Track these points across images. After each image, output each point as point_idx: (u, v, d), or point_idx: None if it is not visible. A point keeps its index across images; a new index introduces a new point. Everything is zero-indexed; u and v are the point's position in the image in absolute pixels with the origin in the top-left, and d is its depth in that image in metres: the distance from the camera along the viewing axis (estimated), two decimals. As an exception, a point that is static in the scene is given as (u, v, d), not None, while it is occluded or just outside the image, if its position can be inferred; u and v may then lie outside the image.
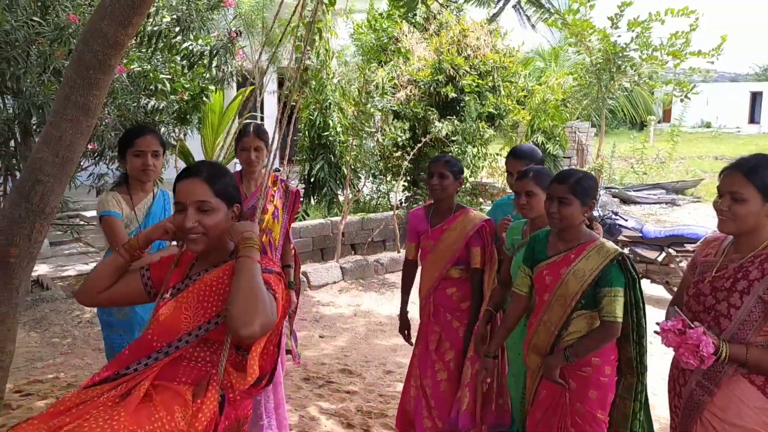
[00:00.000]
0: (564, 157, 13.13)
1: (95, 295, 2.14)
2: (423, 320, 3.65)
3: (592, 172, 11.93)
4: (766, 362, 2.14)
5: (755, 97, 35.57)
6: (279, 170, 10.07)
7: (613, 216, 7.22)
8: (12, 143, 6.02)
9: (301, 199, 9.33)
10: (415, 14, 10.50)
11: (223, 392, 1.91)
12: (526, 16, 3.20)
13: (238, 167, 3.80)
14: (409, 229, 3.76)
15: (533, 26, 3.39)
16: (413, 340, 3.74)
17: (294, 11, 2.72)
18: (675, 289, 6.56)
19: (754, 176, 2.17)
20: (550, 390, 2.76)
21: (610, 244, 2.70)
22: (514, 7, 3.12)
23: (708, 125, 34.94)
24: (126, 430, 1.71)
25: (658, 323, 2.33)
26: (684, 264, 6.52)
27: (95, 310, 6.21)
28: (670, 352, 2.36)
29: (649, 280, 6.88)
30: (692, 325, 2.17)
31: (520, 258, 3.07)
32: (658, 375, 2.73)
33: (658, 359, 4.05)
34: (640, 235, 6.89)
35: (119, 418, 1.73)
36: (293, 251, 3.92)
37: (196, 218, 1.96)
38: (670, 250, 6.60)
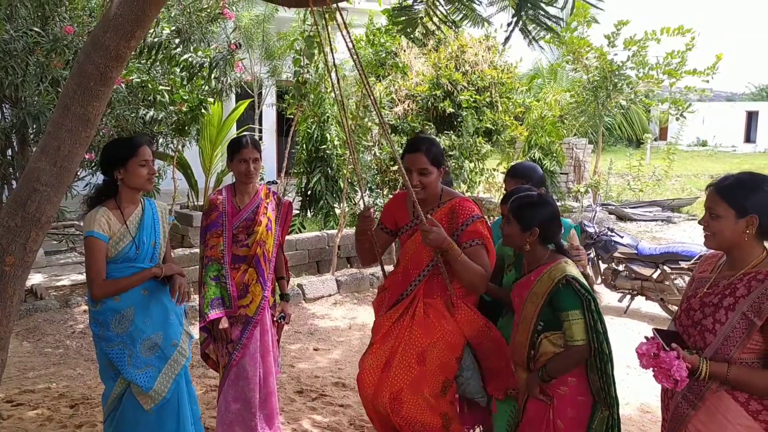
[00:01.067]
0: (561, 173, 13.19)
1: (372, 262, 3.31)
2: None
3: (589, 189, 11.99)
4: (746, 380, 2.15)
5: (751, 117, 35.79)
6: (276, 183, 10.09)
7: (609, 232, 7.23)
8: (9, 152, 6.03)
9: (295, 211, 9.34)
10: (389, 18, 10.56)
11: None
12: (532, 37, 3.23)
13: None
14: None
15: (540, 47, 3.42)
16: None
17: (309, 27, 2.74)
18: (670, 306, 6.59)
19: (727, 193, 2.22)
20: (535, 406, 2.79)
21: (561, 266, 2.69)
22: (520, 29, 3.14)
23: (704, 144, 35.12)
24: (426, 341, 2.87)
25: (652, 330, 2.34)
26: (679, 281, 6.54)
27: (87, 321, 6.19)
28: None
29: (644, 297, 6.89)
30: (666, 348, 2.18)
31: (512, 277, 3.07)
32: (651, 392, 2.74)
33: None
34: (636, 252, 6.91)
35: (420, 335, 2.88)
36: (285, 263, 3.92)
37: (418, 179, 2.90)
38: (665, 267, 6.61)
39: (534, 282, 2.70)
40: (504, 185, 3.67)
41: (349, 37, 2.57)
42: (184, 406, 3.20)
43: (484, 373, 3.02)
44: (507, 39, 3.27)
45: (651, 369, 2.22)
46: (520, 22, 3.02)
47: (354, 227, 8.92)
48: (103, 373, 3.18)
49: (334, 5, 2.82)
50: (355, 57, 2.74)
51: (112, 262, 3.03)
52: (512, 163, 5.01)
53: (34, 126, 5.40)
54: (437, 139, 2.89)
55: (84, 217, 3.09)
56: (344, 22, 2.60)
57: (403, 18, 3.88)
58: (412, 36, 4.15)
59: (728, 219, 2.21)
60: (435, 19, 3.68)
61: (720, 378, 2.17)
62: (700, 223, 2.33)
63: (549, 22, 3.04)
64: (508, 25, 3.06)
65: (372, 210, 3.05)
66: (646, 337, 2.31)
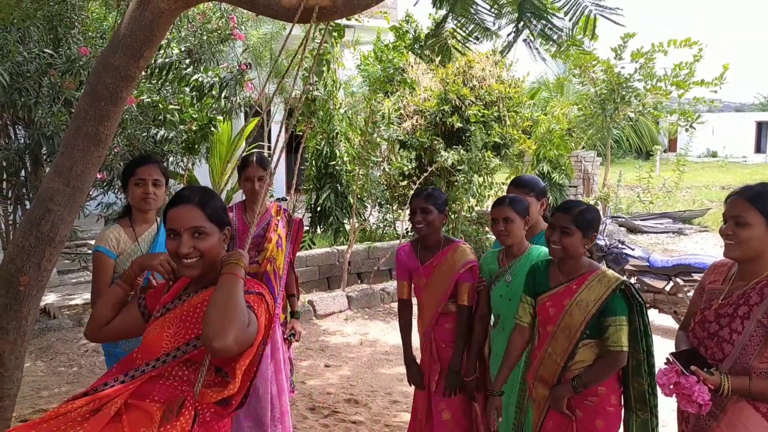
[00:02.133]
0: (570, 186, 13.16)
1: (100, 330, 2.19)
2: (424, 359, 3.46)
3: (598, 202, 11.95)
4: None
5: (761, 127, 35.66)
6: (286, 199, 10.12)
7: (620, 245, 7.19)
8: (23, 173, 6.09)
9: (305, 227, 9.36)
10: (421, 45, 10.63)
11: (196, 412, 1.89)
12: (536, 49, 3.22)
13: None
14: (398, 267, 3.53)
15: (543, 59, 3.40)
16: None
17: (303, 43, 2.77)
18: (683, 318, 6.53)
19: (758, 201, 2.20)
20: (557, 421, 2.74)
21: (611, 272, 2.72)
22: (524, 41, 3.14)
23: (714, 155, 34.98)
24: None
25: (667, 358, 2.32)
26: (692, 294, 6.48)
27: (101, 338, 6.22)
28: None
29: (656, 310, 6.84)
30: (686, 372, 2.18)
31: (501, 288, 3.04)
32: (667, 406, 2.72)
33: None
34: (647, 264, 6.86)
35: None
36: (296, 281, 3.92)
37: (191, 244, 1.98)
38: (678, 280, 6.56)
39: (578, 290, 2.67)
40: (507, 192, 3.67)
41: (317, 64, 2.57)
42: None
43: None
44: (506, 50, 3.24)
45: (674, 396, 2.22)
46: (522, 34, 2.99)
47: (364, 242, 8.99)
48: None
49: (334, 21, 2.83)
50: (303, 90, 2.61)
51: None
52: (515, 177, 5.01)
53: (48, 147, 5.46)
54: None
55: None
56: (322, 39, 2.60)
57: (435, 45, 3.88)
58: (419, 52, 4.17)
59: (759, 227, 2.19)
60: (458, 38, 3.68)
61: (743, 392, 2.17)
62: (721, 231, 2.29)
63: (554, 36, 3.01)
64: (508, 35, 3.04)
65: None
66: (667, 359, 2.30)
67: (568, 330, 2.67)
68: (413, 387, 3.50)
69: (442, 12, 3.46)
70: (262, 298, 2.02)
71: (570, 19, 2.92)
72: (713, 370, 2.20)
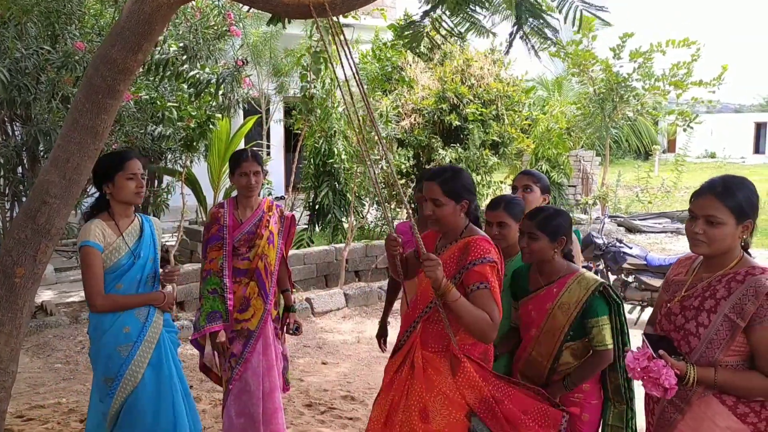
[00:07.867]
0: (569, 186, 13.16)
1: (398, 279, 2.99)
2: None
3: (597, 201, 11.96)
4: (734, 383, 2.12)
5: (759, 128, 35.68)
6: (284, 198, 10.12)
7: (618, 244, 7.21)
8: (20, 170, 6.09)
9: (303, 225, 9.36)
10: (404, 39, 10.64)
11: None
12: (532, 46, 3.30)
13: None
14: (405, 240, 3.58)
15: (538, 56, 3.46)
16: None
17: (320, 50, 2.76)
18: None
19: (728, 198, 2.13)
20: None
21: (589, 275, 2.77)
22: (521, 37, 3.21)
23: (713, 155, 34.99)
24: (427, 396, 2.53)
25: (642, 336, 2.32)
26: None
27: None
28: None
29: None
30: (655, 356, 2.14)
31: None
32: (641, 399, 2.76)
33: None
34: (645, 263, 6.88)
35: (420, 389, 2.55)
36: (288, 276, 3.92)
37: (431, 208, 2.61)
38: (675, 278, 6.57)
39: (559, 294, 2.72)
40: (514, 182, 3.70)
41: (349, 50, 2.55)
42: (183, 427, 3.18)
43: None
44: (508, 48, 3.31)
45: (641, 379, 2.19)
46: (521, 32, 3.06)
47: (362, 240, 9.00)
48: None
49: (335, 17, 2.82)
50: (354, 72, 2.61)
51: (107, 273, 3.02)
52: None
53: (45, 143, 5.45)
54: (465, 171, 2.73)
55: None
56: (344, 38, 2.60)
57: (409, 32, 3.91)
58: (417, 50, 4.18)
59: (730, 225, 2.13)
60: (442, 32, 3.72)
61: (708, 382, 2.13)
62: (692, 230, 2.19)
63: (549, 33, 3.08)
64: (510, 35, 3.11)
65: (396, 236, 2.73)
66: (642, 339, 2.29)
67: (552, 333, 2.72)
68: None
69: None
70: (494, 265, 2.54)
71: (560, 12, 2.99)
72: (680, 359, 2.17)
